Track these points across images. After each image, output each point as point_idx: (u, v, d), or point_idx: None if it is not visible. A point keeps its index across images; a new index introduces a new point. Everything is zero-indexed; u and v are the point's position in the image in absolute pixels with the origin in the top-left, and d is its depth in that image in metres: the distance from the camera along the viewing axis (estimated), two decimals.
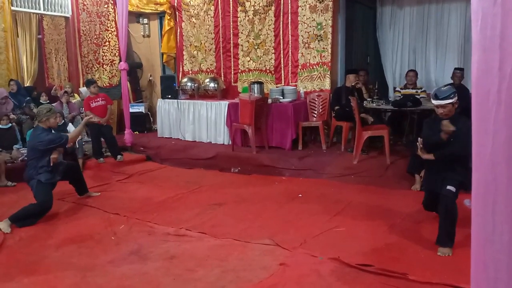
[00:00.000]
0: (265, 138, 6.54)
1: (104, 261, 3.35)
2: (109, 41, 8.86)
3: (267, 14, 7.12)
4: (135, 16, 8.71)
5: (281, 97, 6.70)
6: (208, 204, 4.60)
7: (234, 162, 6.22)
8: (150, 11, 8.44)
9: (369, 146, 5.98)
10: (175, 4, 8.15)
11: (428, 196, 3.57)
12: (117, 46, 8.57)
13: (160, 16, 8.58)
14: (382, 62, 7.76)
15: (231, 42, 7.60)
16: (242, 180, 5.63)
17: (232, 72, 7.73)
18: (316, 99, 6.72)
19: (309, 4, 6.67)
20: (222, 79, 7.76)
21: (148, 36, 8.85)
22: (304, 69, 6.91)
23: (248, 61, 7.48)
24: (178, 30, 8.22)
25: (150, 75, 8.96)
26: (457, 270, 2.93)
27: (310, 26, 6.73)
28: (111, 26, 8.76)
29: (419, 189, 4.65)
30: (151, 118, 8.67)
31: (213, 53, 7.88)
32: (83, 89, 8.28)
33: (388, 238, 3.58)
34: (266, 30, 7.19)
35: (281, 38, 7.05)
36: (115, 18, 8.54)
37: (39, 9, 8.46)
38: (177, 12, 8.18)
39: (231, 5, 7.47)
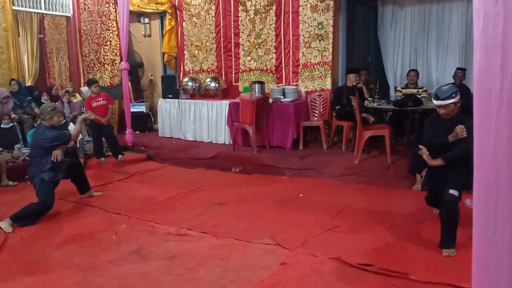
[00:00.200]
0: (266, 137, 6.54)
1: (105, 261, 3.35)
2: (110, 41, 8.87)
3: (268, 14, 7.12)
4: (136, 16, 8.71)
5: (282, 97, 6.69)
6: (209, 204, 4.60)
7: (235, 162, 6.22)
8: (151, 10, 8.44)
9: (370, 145, 5.97)
10: (176, 4, 8.14)
11: (431, 194, 3.55)
12: (118, 45, 8.57)
13: (161, 15, 8.58)
14: (383, 61, 7.74)
15: (232, 41, 7.59)
16: (243, 180, 5.62)
17: (233, 72, 7.73)
18: (317, 98, 6.71)
19: (310, 3, 6.66)
20: (223, 78, 7.75)
21: (149, 35, 8.85)
22: (305, 69, 6.91)
23: (249, 60, 7.48)
24: (179, 30, 8.22)
25: (151, 75, 8.96)
26: (458, 270, 2.92)
27: (311, 26, 6.73)
28: (112, 26, 8.77)
29: (420, 189, 4.64)
30: (152, 118, 8.67)
31: (214, 52, 7.88)
32: (84, 89, 8.29)
33: (389, 238, 3.57)
34: (267, 30, 7.18)
35: (282, 37, 7.05)
36: (116, 18, 8.54)
37: (40, 9, 8.47)
38: (178, 12, 8.18)
39: (232, 4, 7.46)
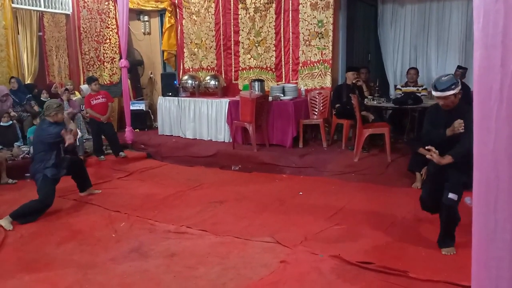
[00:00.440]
0: (266, 135, 6.54)
1: (105, 259, 3.35)
2: (109, 39, 8.85)
3: (268, 12, 7.11)
4: (136, 14, 8.70)
5: (282, 95, 6.69)
6: (209, 202, 4.61)
7: (234, 160, 6.22)
8: (151, 8, 8.43)
9: (370, 144, 5.97)
10: (176, 2, 8.13)
11: (429, 190, 3.32)
12: (117, 43, 8.56)
13: (161, 13, 8.57)
14: (383, 59, 7.74)
15: (232, 39, 7.58)
16: (242, 178, 5.63)
17: (233, 70, 7.72)
18: (317, 96, 6.71)
19: (310, 1, 6.65)
20: (223, 76, 7.75)
21: (149, 33, 8.84)
22: (305, 67, 6.90)
23: (249, 58, 7.47)
24: (179, 28, 8.21)
25: (151, 73, 8.95)
26: (458, 268, 2.93)
27: (311, 24, 6.72)
28: (112, 24, 8.75)
29: (420, 187, 4.63)
30: (152, 116, 8.66)
31: (213, 50, 7.87)
32: (84, 87, 8.27)
33: (389, 236, 3.57)
34: (267, 28, 7.17)
35: (282, 35, 7.04)
36: (115, 16, 8.53)
37: (40, 7, 8.45)
38: (177, 10, 8.16)
39: (231, 2, 7.45)
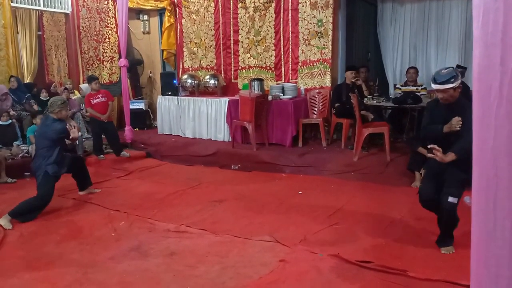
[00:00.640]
0: (265, 135, 6.54)
1: (105, 258, 3.35)
2: (109, 38, 8.85)
3: (268, 11, 7.10)
4: (135, 13, 8.69)
5: (281, 94, 6.69)
6: (209, 201, 4.61)
7: (234, 159, 6.22)
8: (150, 7, 8.42)
9: (369, 143, 5.97)
10: (175, 1, 8.13)
11: (429, 184, 3.23)
12: (117, 42, 8.55)
13: (160, 12, 8.57)
14: (382, 59, 7.74)
15: (231, 39, 7.58)
16: (242, 177, 5.63)
17: (232, 69, 7.72)
18: (317, 96, 6.71)
19: (310, 0, 6.65)
20: (222, 76, 7.74)
21: (148, 32, 8.83)
22: (305, 66, 6.90)
23: (248, 58, 7.47)
24: (178, 27, 8.21)
25: (150, 72, 8.95)
26: (457, 267, 2.93)
27: (311, 23, 6.72)
28: (111, 23, 8.75)
29: (419, 186, 4.63)
30: (151, 115, 8.66)
31: (213, 50, 7.86)
32: (83, 86, 8.28)
33: (388, 235, 3.57)
34: (267, 27, 7.17)
35: (282, 35, 7.04)
36: (115, 15, 8.52)
37: (39, 6, 8.45)
38: (177, 9, 8.16)
39: (231, 1, 7.45)
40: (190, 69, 8.19)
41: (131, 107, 7.59)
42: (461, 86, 3.03)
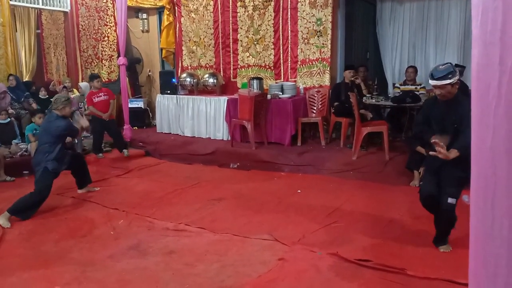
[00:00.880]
0: (264, 134, 6.54)
1: (104, 256, 3.35)
2: (108, 36, 8.84)
3: (267, 10, 7.10)
4: (134, 11, 8.68)
5: (281, 93, 6.69)
6: (207, 200, 4.61)
7: (233, 158, 6.22)
8: (149, 6, 8.41)
9: (368, 142, 5.98)
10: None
11: (429, 183, 3.20)
12: (116, 41, 8.54)
13: (159, 11, 8.56)
14: (381, 58, 7.74)
15: (231, 37, 7.58)
16: (241, 176, 5.63)
17: (231, 68, 7.71)
18: (316, 95, 6.71)
19: None
20: (221, 74, 7.74)
21: (147, 31, 8.82)
22: (304, 65, 6.90)
23: (248, 56, 7.47)
24: (177, 25, 8.20)
25: (149, 71, 8.94)
26: (455, 265, 2.94)
27: (310, 22, 6.72)
28: (110, 21, 8.74)
29: (417, 185, 4.64)
30: (150, 114, 8.66)
31: (212, 48, 7.86)
32: (82, 84, 8.26)
33: (387, 234, 3.58)
34: (266, 26, 7.17)
35: (281, 33, 7.04)
36: (114, 13, 8.51)
37: (38, 4, 8.43)
38: (176, 7, 8.15)
39: (230, 0, 7.44)
40: (189, 67, 8.19)
41: (130, 105, 7.58)
42: (458, 82, 2.99)
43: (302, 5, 6.74)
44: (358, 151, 5.67)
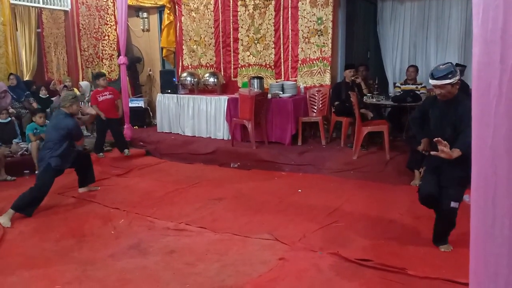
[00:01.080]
0: (265, 133, 6.53)
1: (104, 255, 3.35)
2: (108, 35, 8.84)
3: (267, 9, 7.09)
4: (135, 10, 8.67)
5: (281, 92, 6.69)
6: (208, 199, 4.61)
7: (233, 157, 6.21)
8: (150, 5, 8.41)
9: (369, 141, 5.97)
10: None
11: (428, 183, 3.17)
12: (116, 40, 8.55)
13: (160, 10, 8.55)
14: (382, 57, 7.74)
15: (231, 36, 7.57)
16: (241, 175, 5.63)
17: (232, 67, 7.71)
18: (316, 94, 6.71)
19: None
20: (222, 74, 7.74)
21: (148, 30, 8.82)
22: (304, 64, 6.90)
23: (248, 56, 7.46)
24: (178, 25, 8.20)
25: (150, 70, 8.94)
26: (456, 265, 2.93)
27: (310, 21, 6.71)
28: (111, 20, 8.73)
29: (418, 185, 4.64)
30: (151, 113, 8.66)
31: (212, 47, 7.86)
32: (83, 83, 8.27)
33: (387, 233, 3.58)
34: (266, 25, 7.16)
35: (281, 32, 7.03)
36: (114, 12, 8.51)
37: (38, 3, 8.43)
38: (176, 6, 8.15)
39: None
40: (190, 67, 8.18)
41: (130, 105, 7.58)
42: (459, 83, 2.96)
43: (302, 4, 6.73)
44: (359, 151, 5.66)
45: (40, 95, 7.49)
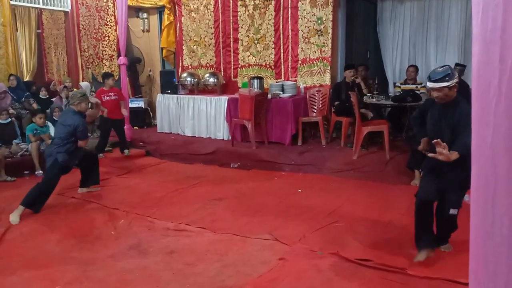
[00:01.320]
0: (265, 133, 6.53)
1: (105, 256, 3.35)
2: (108, 36, 8.84)
3: (267, 9, 7.10)
4: (135, 11, 8.68)
5: (281, 92, 6.69)
6: (208, 199, 4.61)
7: (233, 158, 6.21)
8: (150, 5, 8.41)
9: (369, 141, 5.97)
10: None
11: (429, 190, 3.09)
12: (116, 41, 8.55)
13: (160, 10, 8.56)
14: (382, 57, 7.74)
15: (231, 37, 7.57)
16: (241, 175, 5.63)
17: (232, 67, 7.71)
18: (316, 94, 6.71)
19: None
20: (222, 74, 7.74)
21: (148, 30, 8.83)
22: (304, 64, 6.90)
23: (248, 56, 7.46)
24: (178, 25, 8.20)
25: (150, 70, 8.95)
26: (456, 264, 2.93)
27: (310, 21, 6.71)
28: (111, 21, 8.74)
29: (418, 184, 4.63)
30: (151, 113, 8.66)
31: (212, 48, 7.86)
32: (83, 84, 8.28)
33: (387, 233, 3.58)
34: (266, 25, 7.16)
35: (281, 32, 7.04)
36: (114, 13, 8.52)
37: (38, 4, 8.44)
38: (176, 7, 8.15)
39: None
40: (190, 67, 8.19)
41: (130, 105, 7.59)
42: (457, 86, 2.91)
43: (302, 4, 6.73)
44: (359, 151, 5.66)
45: (40, 95, 7.50)
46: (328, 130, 6.57)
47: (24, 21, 9.64)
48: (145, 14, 8.73)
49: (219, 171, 5.93)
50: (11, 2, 7.83)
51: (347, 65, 6.53)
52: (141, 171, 6.01)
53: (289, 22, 6.92)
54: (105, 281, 2.98)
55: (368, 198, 4.45)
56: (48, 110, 6.80)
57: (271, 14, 7.08)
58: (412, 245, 3.30)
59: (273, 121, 6.54)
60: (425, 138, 3.22)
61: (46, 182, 4.34)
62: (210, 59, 7.93)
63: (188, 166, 6.23)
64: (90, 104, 4.84)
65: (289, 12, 6.89)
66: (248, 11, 7.29)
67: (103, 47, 8.93)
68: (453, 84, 2.85)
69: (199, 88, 7.62)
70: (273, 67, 7.24)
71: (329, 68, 6.69)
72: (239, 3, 7.35)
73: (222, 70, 7.80)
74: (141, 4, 8.45)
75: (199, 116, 7.37)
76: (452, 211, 2.96)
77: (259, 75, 7.10)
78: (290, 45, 6.99)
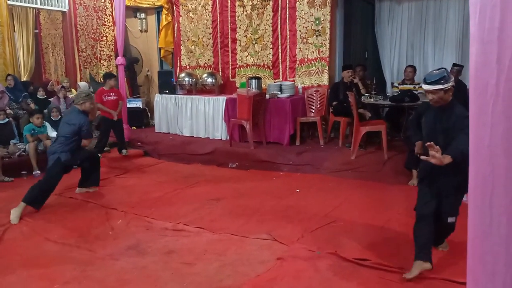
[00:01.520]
0: (263, 133, 6.54)
1: (103, 255, 3.35)
2: (106, 36, 8.83)
3: (265, 9, 7.10)
4: (133, 11, 8.67)
5: (279, 93, 6.69)
6: (206, 199, 4.61)
7: (232, 158, 6.22)
8: (148, 5, 8.40)
9: (367, 141, 5.99)
10: None
11: (426, 200, 2.99)
12: (114, 41, 8.54)
13: (158, 10, 8.55)
14: (380, 57, 7.75)
15: (229, 37, 7.57)
16: (240, 175, 5.63)
17: (230, 67, 7.71)
18: (314, 94, 6.71)
19: None
20: (220, 74, 7.74)
21: (146, 31, 8.82)
22: (302, 64, 6.90)
23: (246, 56, 7.47)
24: (176, 25, 8.19)
25: (148, 70, 8.93)
26: (453, 264, 2.94)
27: (308, 21, 6.72)
28: (108, 21, 8.72)
29: (416, 184, 4.64)
30: (149, 113, 8.65)
31: (210, 48, 7.86)
32: (82, 84, 8.26)
33: (385, 233, 3.59)
34: (264, 25, 7.17)
35: (279, 33, 7.04)
36: (112, 13, 8.51)
37: (36, 4, 8.42)
38: (174, 7, 8.14)
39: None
40: (188, 67, 8.18)
41: (128, 105, 7.57)
42: (452, 89, 2.86)
43: (300, 4, 6.74)
44: (357, 151, 5.67)
45: (37, 96, 7.47)
46: (326, 130, 6.58)
47: (22, 21, 9.62)
48: (143, 14, 8.72)
49: (217, 171, 5.93)
50: (9, 2, 7.81)
51: (345, 65, 6.54)
52: (139, 171, 6.00)
53: (287, 23, 6.92)
54: (104, 280, 2.98)
55: (366, 198, 4.46)
56: (45, 110, 6.78)
57: (269, 15, 7.08)
58: (410, 245, 3.31)
59: (271, 121, 6.55)
60: (419, 141, 3.19)
61: (47, 181, 4.36)
62: (208, 59, 7.93)
63: (186, 166, 6.23)
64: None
65: (287, 13, 6.89)
66: (246, 11, 7.29)
67: (101, 47, 8.92)
68: (448, 87, 2.81)
69: (197, 88, 7.62)
70: (271, 67, 7.24)
71: (327, 68, 6.70)
72: (237, 3, 7.36)
73: (220, 70, 7.80)
74: (139, 4, 8.44)
75: (197, 116, 7.37)
76: (451, 220, 2.94)
77: (257, 75, 7.10)
78: (288, 46, 6.99)
